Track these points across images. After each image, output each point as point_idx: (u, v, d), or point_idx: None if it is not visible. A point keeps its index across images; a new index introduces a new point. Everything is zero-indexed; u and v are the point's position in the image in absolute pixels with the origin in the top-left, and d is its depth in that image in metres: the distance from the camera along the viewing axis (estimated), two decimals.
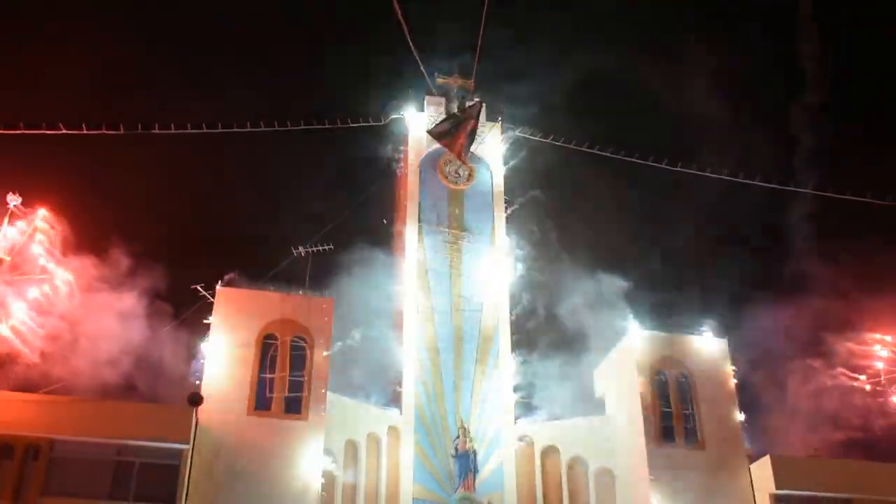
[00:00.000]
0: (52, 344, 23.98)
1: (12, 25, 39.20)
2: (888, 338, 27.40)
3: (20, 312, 23.52)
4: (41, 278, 24.24)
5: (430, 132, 27.31)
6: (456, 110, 29.32)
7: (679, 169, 29.34)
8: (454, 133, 25.31)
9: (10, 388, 22.24)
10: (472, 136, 26.22)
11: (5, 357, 23.04)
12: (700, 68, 38.92)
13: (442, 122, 26.61)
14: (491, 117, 30.64)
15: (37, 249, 24.45)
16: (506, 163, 30.13)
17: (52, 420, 20.37)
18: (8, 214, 23.90)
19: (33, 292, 24.01)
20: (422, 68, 26.08)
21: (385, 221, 29.50)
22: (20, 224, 24.13)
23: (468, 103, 28.68)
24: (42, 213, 24.46)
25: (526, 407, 26.36)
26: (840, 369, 28.83)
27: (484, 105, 30.34)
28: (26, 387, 22.48)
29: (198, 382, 22.30)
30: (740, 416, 24.79)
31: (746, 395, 25.93)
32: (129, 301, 24.82)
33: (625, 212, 37.05)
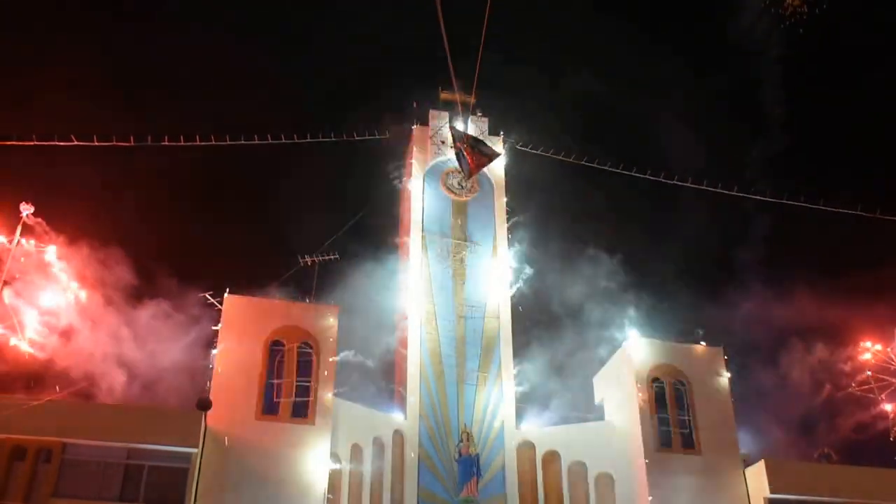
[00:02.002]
0: (62, 350, 24.32)
1: (26, 37, 39.72)
2: (878, 346, 27.94)
3: (33, 321, 23.85)
4: (52, 286, 24.59)
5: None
6: (460, 123, 30.18)
7: (675, 182, 30.02)
8: (466, 163, 26.66)
9: (23, 393, 22.58)
10: (478, 144, 27.27)
11: (19, 363, 23.36)
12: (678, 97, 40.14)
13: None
14: (493, 131, 31.47)
15: (48, 258, 24.79)
16: (507, 175, 30.83)
17: (64, 424, 20.66)
18: (21, 224, 24.20)
19: (44, 300, 24.37)
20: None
21: (392, 238, 30.15)
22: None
23: (460, 126, 29.68)
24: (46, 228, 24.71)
25: (527, 412, 26.83)
26: (832, 376, 29.43)
27: (486, 119, 31.33)
28: (39, 391, 22.80)
29: (207, 387, 22.60)
30: (735, 422, 25.33)
31: (742, 401, 26.51)
32: (139, 308, 25.25)
33: (623, 223, 37.85)
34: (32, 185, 26.05)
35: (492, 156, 27.32)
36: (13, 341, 23.59)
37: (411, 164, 30.33)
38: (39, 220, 24.21)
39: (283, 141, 28.71)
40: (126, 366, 24.54)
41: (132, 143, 26.29)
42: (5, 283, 22.97)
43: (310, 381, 23.20)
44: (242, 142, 27.87)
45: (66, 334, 24.24)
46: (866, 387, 27.65)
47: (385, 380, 27.26)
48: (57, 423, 20.64)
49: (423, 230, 28.78)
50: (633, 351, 25.95)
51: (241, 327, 23.58)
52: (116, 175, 32.54)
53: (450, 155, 28.87)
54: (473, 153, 26.67)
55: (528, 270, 29.14)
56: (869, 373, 27.73)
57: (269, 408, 22.72)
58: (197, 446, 21.12)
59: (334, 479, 22.66)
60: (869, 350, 27.85)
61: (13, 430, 20.31)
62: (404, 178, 30.46)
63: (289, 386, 23.03)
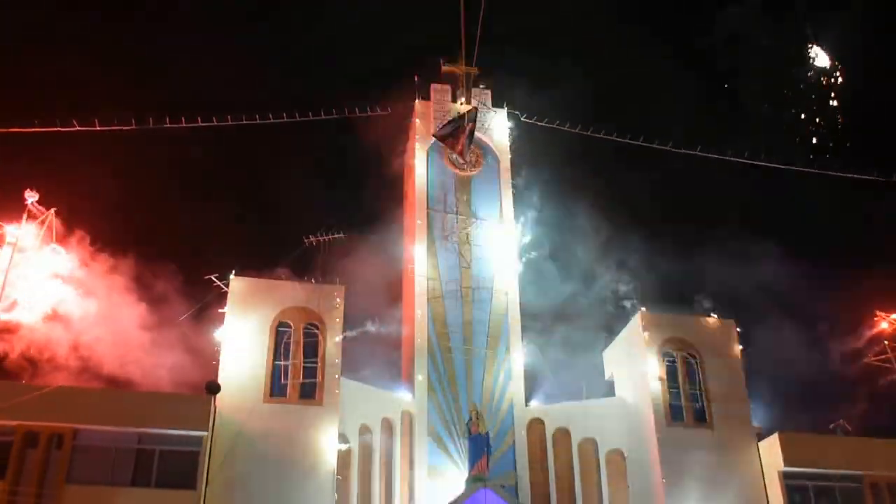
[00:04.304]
0: (70, 338, 24.44)
1: (27, 26, 39.55)
2: (894, 315, 27.44)
3: (39, 307, 23.96)
4: (59, 274, 24.66)
5: (435, 135, 28.36)
6: (462, 99, 29.82)
7: (683, 151, 29.53)
8: (456, 135, 26.66)
9: (33, 380, 22.79)
10: (471, 136, 27.64)
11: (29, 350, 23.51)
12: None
13: (446, 124, 27.98)
14: (496, 103, 30.93)
15: (54, 246, 24.80)
16: (511, 148, 30.35)
17: (75, 410, 20.75)
18: (25, 212, 24.16)
19: (52, 287, 24.44)
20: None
21: (397, 215, 29.93)
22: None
23: (464, 107, 29.33)
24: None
25: (537, 388, 26.71)
26: (848, 346, 29.02)
27: (489, 92, 30.81)
28: (48, 378, 22.99)
29: (215, 364, 22.60)
30: (748, 395, 25.01)
31: (755, 374, 26.17)
32: (146, 293, 25.30)
33: (632, 195, 37.38)
34: (37, 172, 26.07)
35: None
36: (23, 328, 23.78)
37: (414, 139, 29.95)
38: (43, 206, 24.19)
39: (285, 119, 28.48)
40: (133, 351, 24.66)
41: (134, 127, 26.21)
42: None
43: (317, 362, 23.14)
44: (244, 121, 27.67)
45: (72, 321, 24.33)
46: (882, 356, 27.22)
47: (393, 359, 27.26)
48: (68, 410, 20.75)
49: (427, 206, 28.48)
50: (644, 325, 25.57)
51: (247, 309, 23.52)
52: (120, 160, 32.48)
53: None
54: (465, 137, 26.80)
55: (535, 245, 28.89)
56: (885, 342, 27.30)
57: (277, 390, 22.72)
58: (207, 430, 21.19)
59: (343, 459, 22.72)
60: (885, 319, 27.38)
61: (25, 417, 20.45)
62: (407, 154, 30.08)
63: (296, 367, 23.00)
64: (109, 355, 24.33)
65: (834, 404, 29.25)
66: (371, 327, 26.09)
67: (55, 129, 25.28)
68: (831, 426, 25.66)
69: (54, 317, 24.20)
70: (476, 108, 28.68)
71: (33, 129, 24.85)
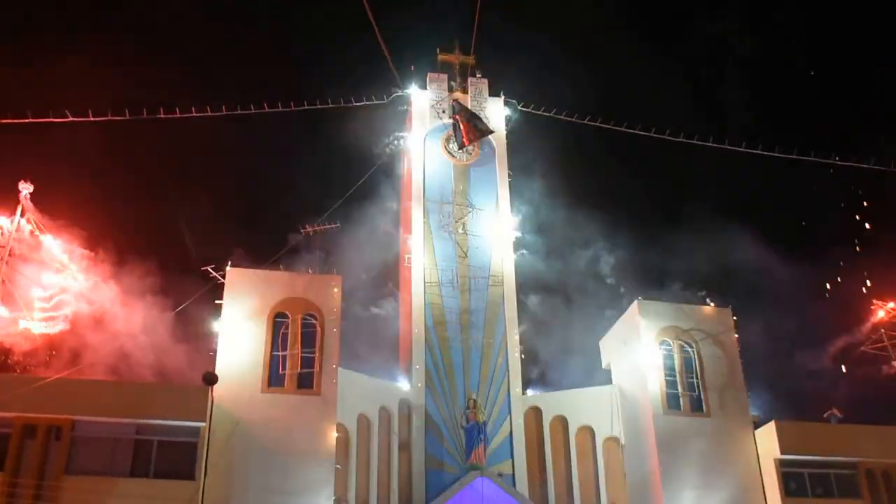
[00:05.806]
0: (68, 330, 24.43)
1: (22, 18, 39.29)
2: (891, 304, 27.53)
3: (37, 302, 23.93)
4: (56, 267, 24.60)
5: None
6: (458, 87, 29.75)
7: (681, 140, 29.45)
8: (461, 133, 26.63)
9: (31, 371, 22.81)
10: (473, 119, 27.42)
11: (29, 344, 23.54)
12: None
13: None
14: (493, 92, 30.76)
15: (49, 239, 24.72)
16: (508, 137, 30.25)
17: (73, 401, 20.77)
18: (20, 203, 24.06)
19: (48, 279, 24.40)
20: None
21: (394, 205, 29.88)
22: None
23: (456, 99, 29.25)
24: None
25: (534, 377, 26.83)
26: (844, 334, 29.11)
27: (486, 81, 30.65)
28: (47, 369, 23.01)
29: (212, 355, 22.63)
30: (744, 383, 25.08)
31: (751, 362, 26.24)
32: (142, 285, 25.25)
33: (630, 184, 37.36)
34: (32, 164, 25.97)
35: (484, 131, 27.51)
36: (22, 323, 23.76)
37: (411, 129, 29.82)
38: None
39: (280, 109, 28.37)
40: (131, 343, 24.65)
41: (127, 117, 26.09)
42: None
43: (314, 353, 23.16)
44: (238, 111, 27.57)
45: (71, 314, 24.31)
46: (879, 344, 27.33)
47: (390, 349, 27.28)
48: (66, 401, 20.76)
49: (424, 196, 28.38)
50: (640, 313, 25.61)
51: (244, 300, 23.50)
52: (114, 151, 32.36)
53: (449, 121, 28.57)
54: (468, 126, 26.67)
55: (532, 234, 28.86)
56: (882, 330, 27.40)
57: (274, 380, 22.74)
58: (205, 420, 21.23)
59: (342, 449, 22.78)
60: (881, 307, 27.47)
61: (23, 409, 20.44)
62: (404, 144, 29.96)
63: (294, 358, 23.01)
64: (106, 347, 24.33)
65: (830, 393, 29.37)
66: (369, 317, 26.16)
67: (48, 119, 25.17)
68: (825, 415, 25.79)
69: (50, 309, 24.15)
70: (456, 100, 28.78)
71: (27, 121, 24.76)
